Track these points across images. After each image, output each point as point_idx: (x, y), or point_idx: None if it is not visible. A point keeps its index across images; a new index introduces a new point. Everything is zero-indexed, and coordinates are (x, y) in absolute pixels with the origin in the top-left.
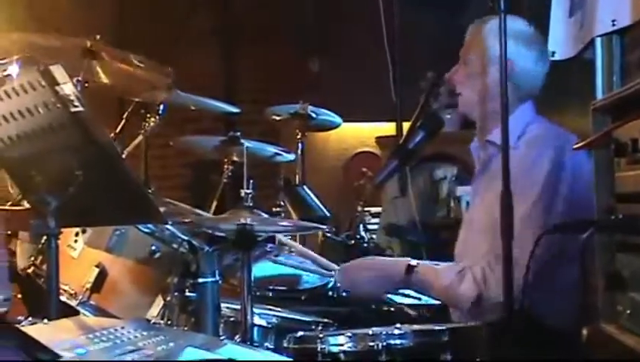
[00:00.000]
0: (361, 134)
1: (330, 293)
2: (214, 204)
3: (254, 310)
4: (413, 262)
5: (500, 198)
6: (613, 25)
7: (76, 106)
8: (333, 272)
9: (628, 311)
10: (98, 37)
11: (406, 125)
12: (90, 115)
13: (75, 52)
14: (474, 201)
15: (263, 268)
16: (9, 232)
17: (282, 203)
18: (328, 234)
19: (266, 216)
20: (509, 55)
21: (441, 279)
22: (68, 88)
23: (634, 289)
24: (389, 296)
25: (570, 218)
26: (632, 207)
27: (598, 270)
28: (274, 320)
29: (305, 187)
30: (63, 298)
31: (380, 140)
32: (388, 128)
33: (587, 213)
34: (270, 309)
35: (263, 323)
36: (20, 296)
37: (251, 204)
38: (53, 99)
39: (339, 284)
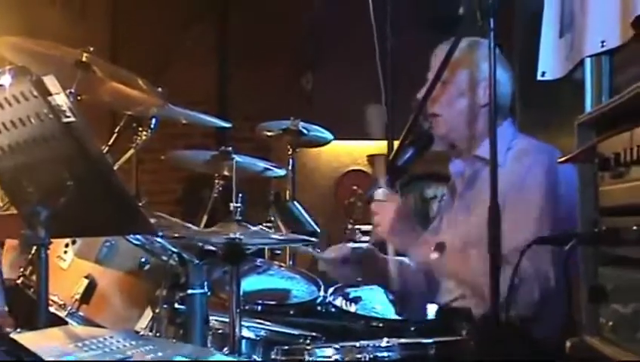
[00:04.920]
0: (352, 152)
1: (319, 308)
2: (205, 218)
3: (243, 323)
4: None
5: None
6: (603, 46)
7: (68, 117)
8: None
9: (610, 323)
10: (92, 49)
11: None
12: (82, 126)
13: (68, 63)
14: (456, 219)
15: (251, 283)
16: None
17: (272, 218)
18: (318, 250)
19: (255, 228)
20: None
21: (473, 261)
22: (60, 99)
23: (616, 301)
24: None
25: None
26: (615, 221)
27: (581, 283)
28: (262, 333)
29: (295, 202)
30: (51, 309)
31: (372, 159)
32: (380, 147)
33: None
34: (259, 323)
35: (252, 335)
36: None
37: (240, 218)
38: (45, 109)
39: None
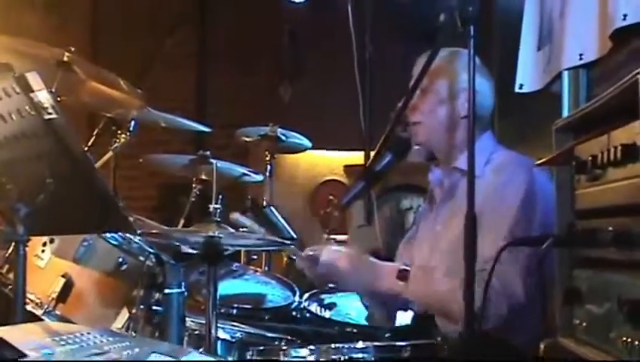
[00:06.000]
0: (329, 162)
1: (294, 313)
2: (181, 223)
3: (218, 325)
4: (404, 266)
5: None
6: (581, 59)
7: (50, 114)
8: (322, 258)
9: (584, 324)
10: (73, 49)
11: None
12: (63, 123)
13: (49, 63)
14: (434, 230)
15: (227, 287)
16: None
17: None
18: (293, 257)
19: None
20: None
21: (438, 284)
22: (43, 96)
23: (590, 302)
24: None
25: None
26: (591, 223)
27: (556, 285)
28: (238, 334)
29: (272, 208)
30: (28, 307)
31: (348, 169)
32: (356, 157)
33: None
34: (234, 326)
35: (227, 337)
36: None
37: (219, 219)
38: (27, 106)
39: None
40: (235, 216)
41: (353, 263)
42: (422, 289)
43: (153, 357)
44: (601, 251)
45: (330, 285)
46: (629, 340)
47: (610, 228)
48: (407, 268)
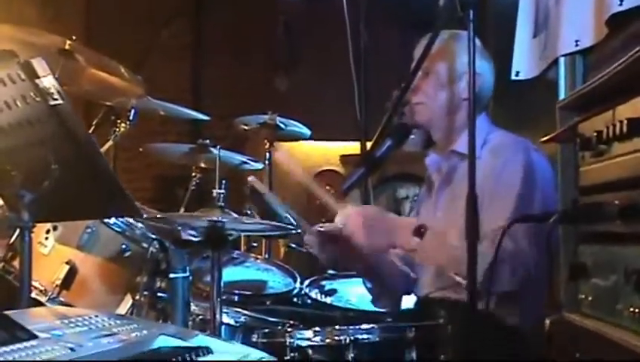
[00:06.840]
0: (325, 153)
1: (295, 299)
2: (181, 212)
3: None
4: (421, 223)
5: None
6: (577, 45)
7: (56, 99)
8: (338, 218)
9: (590, 298)
10: (74, 37)
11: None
12: (68, 108)
13: (51, 50)
14: (434, 213)
15: (228, 274)
16: None
17: (249, 211)
18: (292, 245)
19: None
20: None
21: (454, 239)
22: (48, 81)
23: (596, 276)
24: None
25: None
26: (595, 199)
27: (561, 262)
28: (242, 319)
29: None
30: (32, 294)
31: (344, 159)
32: (352, 147)
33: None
34: (237, 311)
35: (231, 322)
36: None
37: (223, 204)
38: (32, 92)
39: (342, 226)
40: (252, 178)
41: (367, 217)
42: (435, 247)
43: (161, 338)
44: (607, 225)
45: (331, 271)
46: (637, 310)
47: (617, 202)
48: (424, 224)
